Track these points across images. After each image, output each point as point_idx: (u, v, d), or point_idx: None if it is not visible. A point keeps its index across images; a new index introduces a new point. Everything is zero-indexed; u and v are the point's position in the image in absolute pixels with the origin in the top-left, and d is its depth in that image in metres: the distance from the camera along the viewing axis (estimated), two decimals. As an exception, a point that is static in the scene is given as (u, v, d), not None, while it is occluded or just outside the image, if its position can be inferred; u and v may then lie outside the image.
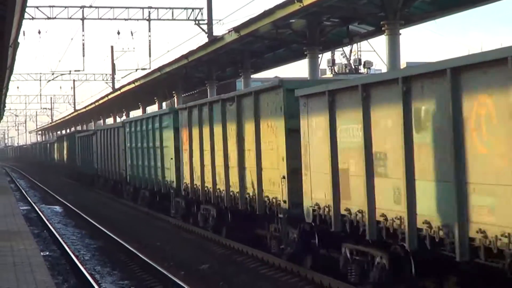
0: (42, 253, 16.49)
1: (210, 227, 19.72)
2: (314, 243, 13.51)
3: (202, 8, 38.74)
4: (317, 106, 12.66)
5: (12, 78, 29.72)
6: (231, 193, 17.25)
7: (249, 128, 16.01)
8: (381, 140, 10.88)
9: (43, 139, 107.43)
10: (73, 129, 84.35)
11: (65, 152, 57.40)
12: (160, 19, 40.28)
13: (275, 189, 14.63)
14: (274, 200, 14.69)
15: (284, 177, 14.06)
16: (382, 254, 11.28)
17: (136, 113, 60.58)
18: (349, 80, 12.40)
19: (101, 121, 73.64)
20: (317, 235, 13.32)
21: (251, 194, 15.99)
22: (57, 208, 32.65)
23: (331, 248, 13.17)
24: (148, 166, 26.45)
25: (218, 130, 17.99)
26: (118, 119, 64.39)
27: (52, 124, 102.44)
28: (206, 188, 19.16)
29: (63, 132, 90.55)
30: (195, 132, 19.91)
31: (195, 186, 20.28)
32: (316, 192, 12.79)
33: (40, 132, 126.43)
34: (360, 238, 11.57)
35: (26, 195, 39.59)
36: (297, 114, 13.54)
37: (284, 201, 14.11)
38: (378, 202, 10.93)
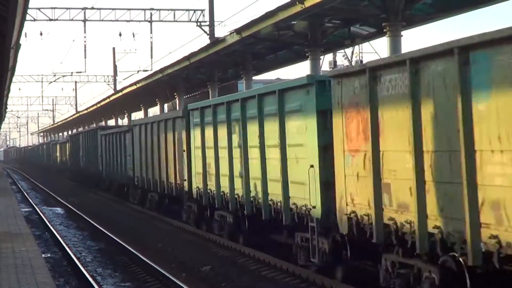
0: (43, 255, 16.49)
1: None
2: None
3: (204, 10, 38.85)
4: None
5: (14, 79, 29.78)
6: None
7: None
8: None
9: (45, 140, 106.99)
10: (74, 130, 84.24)
11: (81, 153, 47.41)
12: (162, 21, 40.32)
13: None
14: None
15: None
16: None
17: (138, 115, 60.28)
18: None
19: (103, 122, 73.68)
20: None
21: None
22: (58, 210, 32.66)
23: None
24: (245, 178, 16.60)
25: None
26: (120, 121, 64.37)
27: (54, 125, 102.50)
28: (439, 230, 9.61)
29: (65, 134, 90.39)
30: (391, 116, 10.66)
31: (392, 222, 10.62)
32: None
33: (42, 134, 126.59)
34: None
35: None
36: None
37: None
38: None
